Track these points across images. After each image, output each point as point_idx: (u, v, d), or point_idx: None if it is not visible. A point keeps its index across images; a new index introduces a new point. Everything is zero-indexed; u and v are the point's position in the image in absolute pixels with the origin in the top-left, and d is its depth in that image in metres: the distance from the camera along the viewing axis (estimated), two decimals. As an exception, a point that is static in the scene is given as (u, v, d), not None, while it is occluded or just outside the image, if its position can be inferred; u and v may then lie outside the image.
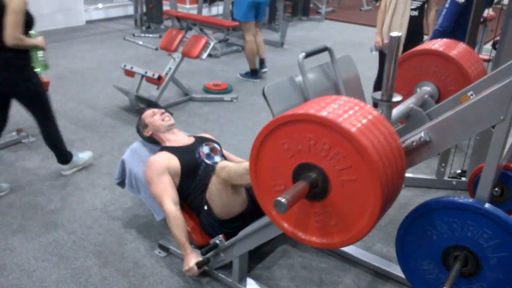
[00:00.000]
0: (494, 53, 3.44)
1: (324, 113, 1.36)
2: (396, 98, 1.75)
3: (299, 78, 1.99)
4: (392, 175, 1.37)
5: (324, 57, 2.21)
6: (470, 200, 1.48)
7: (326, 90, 2.07)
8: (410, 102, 2.05)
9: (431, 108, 2.09)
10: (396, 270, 2.36)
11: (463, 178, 3.29)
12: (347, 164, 1.36)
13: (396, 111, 1.92)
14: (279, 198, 1.31)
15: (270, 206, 1.55)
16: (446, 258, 1.56)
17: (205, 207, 2.36)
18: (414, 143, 1.56)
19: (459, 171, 3.37)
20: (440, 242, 1.55)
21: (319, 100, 1.50)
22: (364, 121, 1.38)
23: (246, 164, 2.11)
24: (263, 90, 1.83)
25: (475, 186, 1.57)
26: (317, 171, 1.42)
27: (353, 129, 1.32)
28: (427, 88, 2.24)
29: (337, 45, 7.58)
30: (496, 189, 2.03)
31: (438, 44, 2.27)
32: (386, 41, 4.01)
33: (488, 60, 3.53)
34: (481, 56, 4.29)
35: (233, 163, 2.23)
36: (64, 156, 3.28)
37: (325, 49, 2.08)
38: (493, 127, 1.44)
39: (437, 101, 2.22)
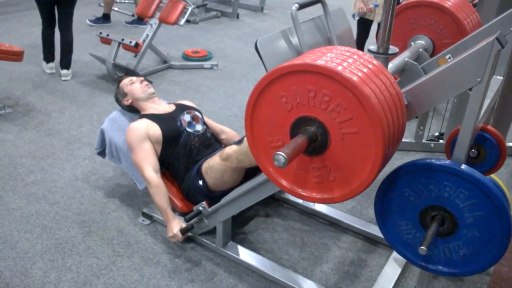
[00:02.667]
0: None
1: (324, 63, 1.30)
2: (393, 50, 1.70)
3: (291, 32, 1.94)
4: (393, 126, 1.35)
5: (317, 10, 2.18)
6: (447, 161, 1.51)
7: (320, 44, 2.01)
8: (405, 56, 2.00)
9: (426, 62, 2.05)
10: (374, 230, 2.43)
11: (441, 141, 3.36)
12: (348, 115, 1.32)
13: (391, 65, 1.88)
14: (279, 152, 1.26)
15: (267, 162, 1.53)
16: (423, 218, 1.60)
17: (200, 182, 2.33)
18: (393, 107, 1.57)
19: (437, 133, 3.43)
20: (417, 203, 1.58)
21: (316, 51, 1.44)
22: (365, 70, 1.34)
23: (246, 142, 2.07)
24: (256, 43, 1.77)
25: (452, 148, 1.60)
26: (316, 124, 1.38)
27: (355, 78, 1.27)
28: (421, 42, 2.20)
29: (317, 10, 7.49)
30: (473, 150, 2.06)
31: None
32: (370, 5, 3.98)
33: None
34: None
35: (236, 147, 2.17)
36: (68, 62, 4.30)
37: (318, 1, 2.02)
38: (470, 89, 1.46)
39: (432, 55, 2.18)
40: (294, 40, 1.95)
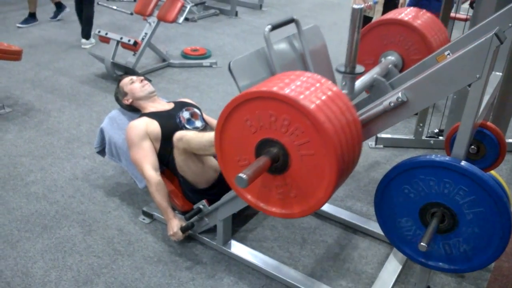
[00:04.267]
0: (471, 12, 3.44)
1: (283, 91, 1.40)
2: (359, 70, 1.80)
3: (265, 52, 2.01)
4: (348, 149, 1.45)
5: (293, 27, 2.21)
6: (447, 158, 1.51)
7: (293, 62, 2.11)
8: (375, 72, 2.09)
9: (394, 77, 2.13)
10: (375, 227, 2.43)
11: (441, 137, 3.36)
12: (305, 139, 1.42)
13: (360, 82, 1.97)
14: (240, 175, 1.37)
15: (234, 180, 1.62)
16: (423, 215, 1.60)
17: (181, 179, 2.39)
18: (392, 104, 1.57)
19: (436, 130, 3.43)
20: (417, 199, 1.59)
21: (282, 76, 1.54)
22: (323, 97, 1.43)
23: (209, 136, 2.15)
24: (229, 65, 1.85)
25: (452, 144, 1.60)
26: (278, 146, 1.48)
27: (311, 106, 1.37)
28: (391, 58, 2.28)
29: (316, 7, 7.52)
30: (472, 146, 2.06)
31: (403, 14, 2.29)
32: (370, 2, 3.99)
33: (465, 20, 3.54)
34: (458, 15, 4.30)
35: (192, 133, 2.27)
36: (87, 33, 5.12)
37: (291, 20, 2.09)
38: (469, 85, 1.46)
39: (401, 70, 2.27)
40: (268, 60, 2.03)
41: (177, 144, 2.26)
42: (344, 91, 1.86)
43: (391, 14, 2.32)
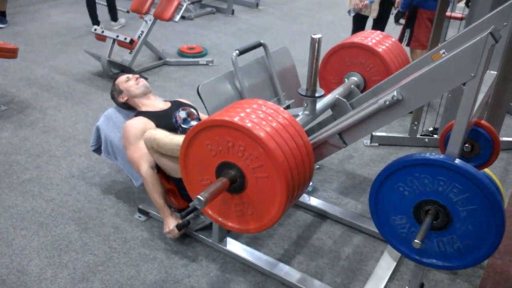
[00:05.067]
0: (467, 11, 3.46)
1: (239, 120, 1.52)
2: (319, 92, 1.93)
3: (233, 75, 2.13)
4: (298, 172, 1.56)
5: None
6: (441, 156, 1.52)
7: (262, 83, 2.25)
8: (337, 92, 2.21)
9: (356, 97, 2.23)
10: (369, 224, 2.45)
11: (435, 136, 3.37)
12: (259, 163, 1.54)
13: (323, 102, 2.08)
14: (198, 196, 1.48)
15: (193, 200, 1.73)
16: (417, 213, 1.61)
17: (170, 176, 2.39)
18: (387, 102, 1.58)
19: (431, 128, 3.45)
20: (411, 197, 1.59)
21: (241, 104, 1.67)
22: (274, 124, 1.55)
23: (178, 140, 2.16)
24: (198, 88, 1.94)
25: (446, 142, 1.61)
26: (236, 168, 1.59)
27: (262, 134, 1.48)
28: (354, 78, 2.40)
29: (313, 6, 7.52)
30: (467, 145, 2.07)
31: (366, 38, 2.42)
32: (366, 1, 3.99)
33: (461, 19, 3.55)
34: (454, 14, 4.32)
35: (162, 133, 2.27)
36: (115, 15, 5.74)
37: (259, 45, 2.20)
38: (464, 84, 1.47)
39: (363, 90, 2.38)
40: (237, 82, 2.15)
41: (146, 143, 2.29)
42: (306, 112, 1.97)
43: (356, 38, 2.44)
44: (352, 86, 2.32)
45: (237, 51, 2.09)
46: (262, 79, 2.23)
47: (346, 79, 2.43)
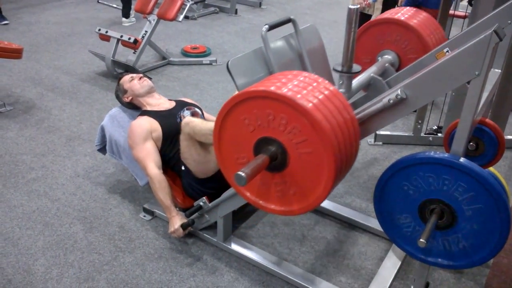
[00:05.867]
0: (470, 9, 3.45)
1: (281, 90, 1.42)
2: (356, 69, 1.80)
3: (263, 51, 2.01)
4: (345, 147, 1.46)
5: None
6: (446, 154, 1.51)
7: (291, 62, 2.11)
8: (371, 71, 2.09)
9: (391, 76, 2.14)
10: (374, 223, 2.44)
11: (439, 134, 3.37)
12: (303, 137, 1.43)
13: (357, 81, 1.98)
14: (239, 173, 1.37)
15: (233, 178, 1.61)
16: (422, 212, 1.60)
17: (183, 167, 2.40)
18: (391, 101, 1.58)
19: (435, 127, 3.44)
20: (416, 196, 1.59)
21: (279, 76, 1.55)
22: (320, 96, 1.44)
23: (211, 124, 2.13)
24: (227, 64, 1.85)
25: (451, 141, 1.61)
26: (276, 144, 1.49)
27: (309, 105, 1.38)
28: (388, 57, 2.29)
29: (316, 5, 7.52)
30: (471, 143, 2.07)
31: (400, 13, 2.30)
32: (369, 0, 3.99)
33: (464, 17, 3.54)
34: (457, 12, 4.31)
35: (199, 120, 2.30)
36: (128, 12, 5.86)
37: (288, 20, 2.11)
38: (468, 82, 1.47)
39: (398, 69, 2.27)
40: (266, 59, 2.03)
41: (183, 128, 2.29)
42: (341, 90, 1.87)
43: (388, 14, 2.33)
44: (386, 64, 2.20)
45: (267, 26, 1.97)
46: (291, 57, 2.10)
47: (379, 58, 2.31)
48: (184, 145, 2.33)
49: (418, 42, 2.21)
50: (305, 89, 1.45)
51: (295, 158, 1.48)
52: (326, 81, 1.55)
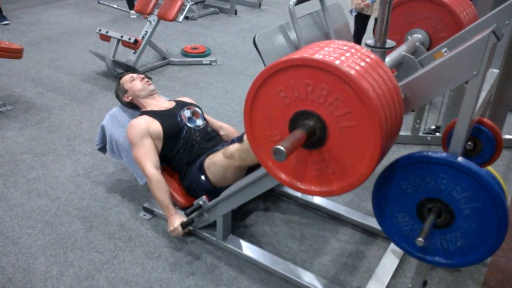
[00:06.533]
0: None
1: (322, 57, 1.31)
2: (390, 44, 1.71)
3: (289, 27, 1.92)
4: (391, 119, 1.36)
5: (315, 6, 2.17)
6: (444, 154, 1.52)
7: (317, 39, 1.99)
8: (402, 50, 2.00)
9: (422, 55, 2.06)
10: (372, 222, 2.45)
11: (438, 134, 3.38)
12: (346, 109, 1.32)
13: (388, 59, 1.89)
14: (278, 146, 1.26)
15: (266, 157, 1.53)
16: (420, 211, 1.61)
17: (202, 177, 2.35)
18: (390, 100, 1.58)
19: (433, 127, 3.45)
20: (414, 195, 1.60)
21: (314, 45, 1.44)
22: (363, 64, 1.34)
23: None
24: (254, 38, 1.76)
25: (449, 140, 1.62)
26: (315, 118, 1.38)
27: (353, 72, 1.27)
28: (418, 36, 2.20)
29: (314, 5, 7.50)
30: (469, 143, 2.08)
31: None
32: (368, 1, 4.00)
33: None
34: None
35: (239, 145, 2.19)
36: (133, 3, 5.97)
37: None
38: (467, 82, 1.48)
39: (428, 48, 2.18)
40: (292, 35, 1.94)
41: (231, 155, 2.20)
42: None
43: None
44: (417, 43, 2.11)
45: (294, 0, 1.88)
46: (317, 34, 2.00)
47: (409, 37, 2.21)
48: (223, 165, 2.25)
49: (451, 19, 2.10)
50: (346, 55, 1.34)
51: (336, 133, 1.38)
52: (365, 49, 1.44)
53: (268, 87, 1.43)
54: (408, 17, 2.20)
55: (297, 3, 1.88)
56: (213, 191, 2.34)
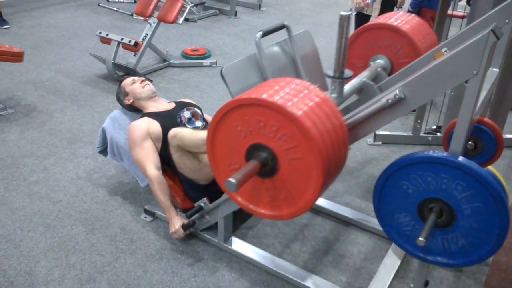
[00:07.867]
0: (468, 9, 3.46)
1: (271, 98, 1.44)
2: (347, 74, 1.84)
3: (257, 58, 2.04)
4: (333, 153, 1.49)
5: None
6: (444, 154, 1.52)
7: (285, 67, 2.15)
8: (364, 75, 2.12)
9: (383, 80, 2.16)
10: (373, 223, 2.46)
11: (438, 134, 3.38)
12: (293, 143, 1.46)
13: (349, 85, 2.01)
14: (230, 179, 1.41)
15: (224, 184, 1.65)
16: (421, 210, 1.61)
17: (181, 177, 2.43)
18: (389, 101, 1.59)
19: (434, 127, 3.45)
20: (415, 195, 1.60)
21: (272, 83, 1.58)
22: (310, 103, 1.47)
23: (202, 134, 2.21)
24: (221, 71, 1.88)
25: (450, 140, 1.61)
26: (267, 151, 1.52)
27: (298, 112, 1.41)
28: (380, 61, 2.32)
29: (315, 6, 7.53)
30: (470, 142, 2.08)
31: (393, 18, 2.33)
32: (368, 0, 4.01)
33: (462, 17, 3.55)
34: (455, 13, 4.32)
35: (186, 130, 2.33)
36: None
37: (282, 27, 2.14)
38: (467, 82, 1.48)
39: (390, 73, 2.30)
40: (260, 65, 2.06)
41: (171, 141, 2.34)
42: (334, 95, 1.90)
43: (381, 19, 2.35)
44: (378, 69, 2.23)
45: (261, 32, 1.99)
46: (285, 62, 2.13)
47: (372, 63, 2.33)
48: (177, 156, 2.38)
49: (409, 47, 2.24)
50: (295, 96, 1.48)
51: (285, 164, 1.52)
52: (317, 88, 1.57)
53: (226, 122, 1.57)
54: (372, 43, 2.33)
55: (263, 36, 1.99)
56: (200, 189, 2.38)
